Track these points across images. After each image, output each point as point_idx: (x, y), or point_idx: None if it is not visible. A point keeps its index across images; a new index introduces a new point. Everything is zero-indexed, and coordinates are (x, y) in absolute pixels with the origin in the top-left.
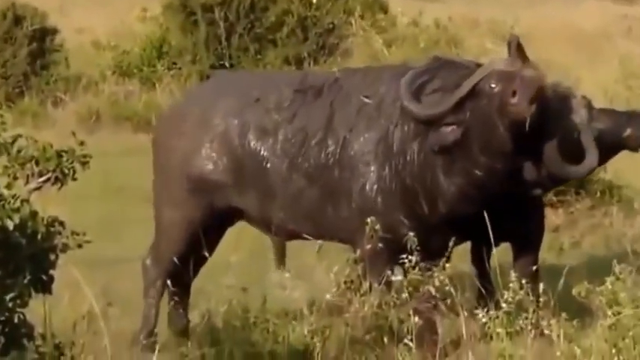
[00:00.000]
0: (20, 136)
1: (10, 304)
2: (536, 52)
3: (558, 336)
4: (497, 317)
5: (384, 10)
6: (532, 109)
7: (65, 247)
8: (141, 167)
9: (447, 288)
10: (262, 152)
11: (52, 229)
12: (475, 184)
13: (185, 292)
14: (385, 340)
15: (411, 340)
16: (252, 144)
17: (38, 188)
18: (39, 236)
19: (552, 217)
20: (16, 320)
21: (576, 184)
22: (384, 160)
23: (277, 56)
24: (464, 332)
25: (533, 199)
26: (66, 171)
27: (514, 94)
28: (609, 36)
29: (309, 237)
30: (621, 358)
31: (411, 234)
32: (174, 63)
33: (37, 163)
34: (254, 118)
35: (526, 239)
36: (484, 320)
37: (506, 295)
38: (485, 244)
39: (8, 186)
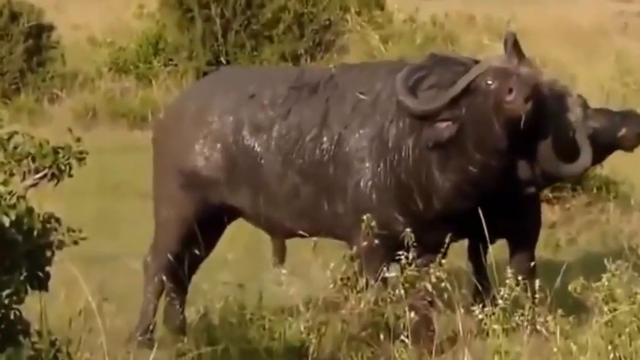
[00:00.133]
0: (16, 132)
1: (6, 301)
2: (532, 48)
3: (554, 332)
4: (494, 314)
5: (381, 6)
6: (528, 107)
7: (61, 244)
8: (137, 164)
9: (444, 284)
10: (256, 148)
11: (48, 225)
12: (470, 180)
13: (182, 289)
14: (381, 336)
15: (407, 336)
16: (246, 140)
17: (34, 185)
18: (35, 233)
19: (549, 214)
20: (12, 317)
21: (573, 180)
22: (378, 157)
23: (273, 53)
24: (460, 328)
25: (530, 195)
26: (62, 167)
27: (510, 91)
28: (606, 32)
29: (305, 234)
30: (617, 354)
31: (408, 230)
32: (171, 59)
33: (33, 160)
34: (248, 114)
35: (522, 236)
36: (480, 317)
37: (503, 291)
38: (481, 241)
39: (4, 182)
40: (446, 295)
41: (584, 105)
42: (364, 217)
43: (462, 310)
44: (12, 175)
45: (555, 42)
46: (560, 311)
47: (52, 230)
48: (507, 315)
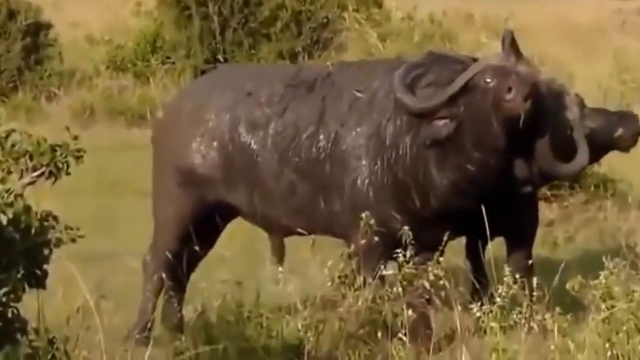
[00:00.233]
0: (14, 130)
1: (4, 299)
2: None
3: (552, 330)
4: (492, 311)
5: (379, 4)
6: (527, 105)
7: (59, 242)
8: (135, 162)
9: (441, 282)
10: (253, 146)
11: (45, 223)
12: (468, 178)
13: (180, 287)
14: (379, 334)
15: (405, 334)
16: (242, 138)
17: (32, 183)
18: (33, 231)
19: (546, 212)
20: (9, 315)
21: (570, 178)
22: (376, 155)
23: (271, 51)
24: (458, 326)
25: (526, 193)
26: (60, 165)
27: (509, 89)
28: (604, 30)
29: (303, 232)
30: (615, 352)
31: (406, 228)
32: (168, 57)
33: (30, 158)
34: (245, 112)
35: (520, 234)
36: (478, 314)
37: (500, 289)
38: (479, 239)
39: (2, 180)
40: (443, 293)
41: (582, 104)
42: (363, 215)
43: (460, 308)
44: (9, 172)
45: (553, 40)
46: (557, 309)
47: (49, 228)
48: (505, 313)
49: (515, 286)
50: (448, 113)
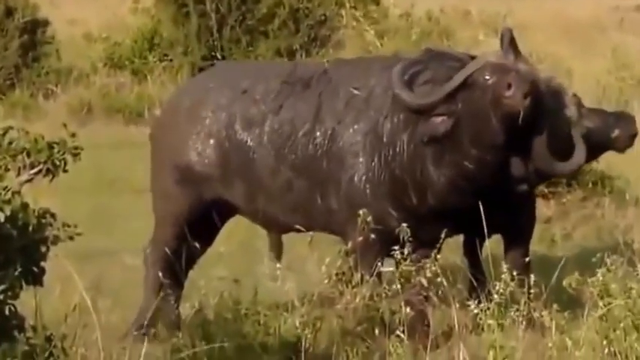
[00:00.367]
0: (11, 128)
1: (1, 296)
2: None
3: (549, 327)
4: (489, 309)
5: (376, 1)
6: (526, 102)
7: (56, 240)
8: (132, 159)
9: (439, 279)
10: (249, 143)
11: (43, 221)
12: (465, 176)
13: (178, 284)
14: (377, 331)
15: (403, 331)
16: (239, 135)
17: (29, 180)
18: (30, 228)
19: (544, 209)
20: (6, 312)
21: (568, 175)
22: (373, 152)
23: (269, 48)
24: (455, 323)
25: (523, 191)
26: (57, 163)
27: (509, 87)
28: (602, 27)
29: (300, 229)
30: (612, 349)
31: (404, 225)
32: (166, 55)
33: (28, 155)
34: (241, 109)
35: (517, 231)
36: (476, 311)
37: (498, 286)
38: (477, 236)
39: None
40: (441, 290)
41: (579, 104)
42: (360, 212)
43: (458, 305)
44: (7, 170)
45: (552, 37)
46: (555, 306)
47: (47, 226)
48: (503, 310)
49: (513, 284)
50: (446, 110)
